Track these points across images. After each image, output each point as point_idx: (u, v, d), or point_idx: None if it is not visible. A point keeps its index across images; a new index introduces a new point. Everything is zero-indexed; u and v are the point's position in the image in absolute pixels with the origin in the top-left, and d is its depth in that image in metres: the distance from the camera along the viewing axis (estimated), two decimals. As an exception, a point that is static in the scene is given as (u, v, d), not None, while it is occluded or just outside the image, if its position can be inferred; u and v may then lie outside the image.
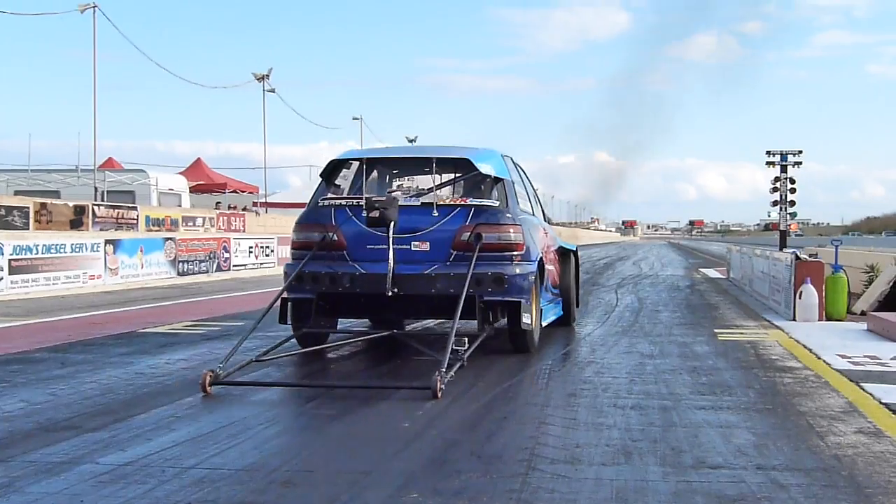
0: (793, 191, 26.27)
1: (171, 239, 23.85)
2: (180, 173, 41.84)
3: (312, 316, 9.76)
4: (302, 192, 61.05)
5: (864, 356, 9.96)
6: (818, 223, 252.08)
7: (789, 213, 26.39)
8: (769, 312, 15.43)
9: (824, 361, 9.58)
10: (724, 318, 14.65)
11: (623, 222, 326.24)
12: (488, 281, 9.31)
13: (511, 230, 9.59)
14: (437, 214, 9.52)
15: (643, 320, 14.27)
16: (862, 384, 8.11)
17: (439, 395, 7.39)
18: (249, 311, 15.50)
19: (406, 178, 11.07)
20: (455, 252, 9.42)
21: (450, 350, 8.21)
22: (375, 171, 10.74)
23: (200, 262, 25.08)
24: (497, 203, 9.76)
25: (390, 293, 9.27)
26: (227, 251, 26.74)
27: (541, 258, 10.41)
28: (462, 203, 9.69)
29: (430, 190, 9.98)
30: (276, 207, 53.94)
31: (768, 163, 26.12)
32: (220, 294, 20.20)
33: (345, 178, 10.55)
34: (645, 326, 13.31)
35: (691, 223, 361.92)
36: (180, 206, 36.48)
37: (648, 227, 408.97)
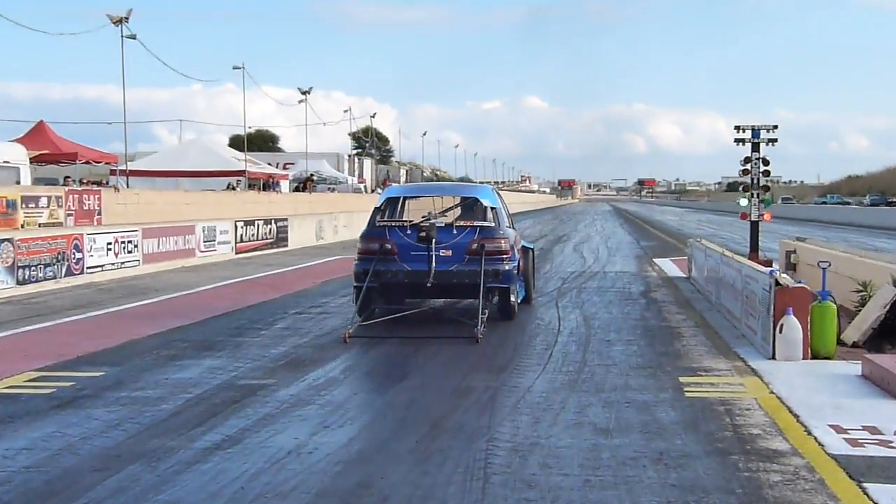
0: (766, 173, 26.42)
1: (7, 240, 23.18)
2: (17, 140, 40.78)
3: (376, 298, 17.52)
4: (172, 156, 59.98)
5: (863, 427, 9.98)
6: (790, 181, 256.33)
7: (762, 201, 26.55)
8: (743, 344, 15.48)
9: (816, 439, 9.57)
10: (689, 356, 14.66)
11: (559, 182, 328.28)
12: (490, 274, 16.90)
13: (502, 241, 17.21)
14: (455, 232, 17.09)
15: (592, 360, 14.22)
16: (864, 484, 8.09)
17: (479, 341, 15.27)
18: (111, 347, 15.06)
19: (418, 203, 18.85)
20: (468, 256, 16.89)
21: (480, 315, 16.05)
22: (406, 201, 18.62)
23: (46, 266, 24.44)
24: (492, 224, 17.36)
25: (429, 283, 16.82)
26: (80, 250, 26.11)
27: (519, 258, 18.18)
28: (471, 224, 17.25)
29: (448, 211, 18.46)
30: (141, 176, 52.97)
31: (737, 140, 26.14)
32: (70, 314, 19.68)
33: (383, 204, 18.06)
34: (596, 373, 13.24)
35: (640, 183, 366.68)
36: (19, 182, 35.65)
37: (590, 187, 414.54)
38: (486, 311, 16.75)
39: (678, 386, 12.34)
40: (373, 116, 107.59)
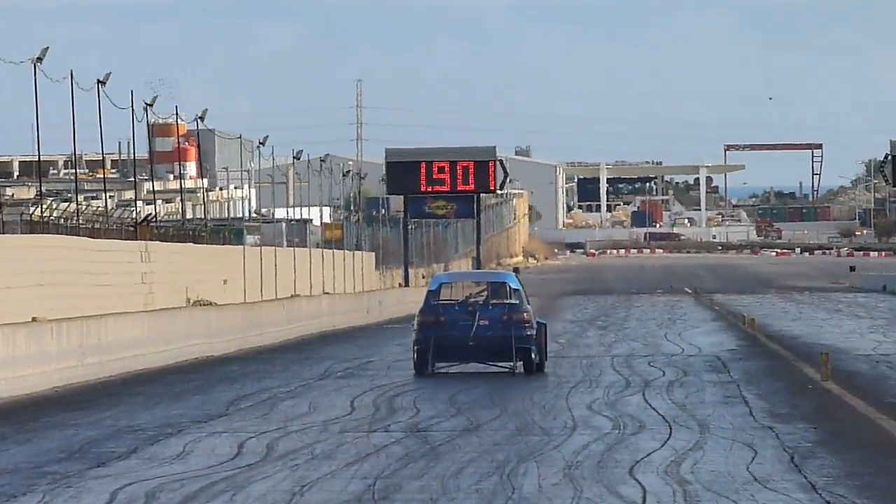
0: None
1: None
2: None
3: (432, 356, 26.94)
4: None
5: None
6: None
7: None
8: None
9: None
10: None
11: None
12: (517, 338, 26.26)
13: (525, 314, 27.00)
14: (491, 307, 27.07)
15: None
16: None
17: (514, 374, 26.59)
18: None
19: (466, 287, 29.97)
20: (500, 325, 26.34)
21: (514, 359, 26.66)
22: (452, 285, 30.20)
23: None
24: (518, 302, 27.24)
25: (471, 343, 26.32)
26: None
27: (536, 328, 27.25)
28: (502, 302, 27.04)
29: (481, 293, 28.49)
30: None
31: None
32: None
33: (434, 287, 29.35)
34: None
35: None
36: None
37: (620, 216, 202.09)
38: (516, 364, 26.38)
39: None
40: None
